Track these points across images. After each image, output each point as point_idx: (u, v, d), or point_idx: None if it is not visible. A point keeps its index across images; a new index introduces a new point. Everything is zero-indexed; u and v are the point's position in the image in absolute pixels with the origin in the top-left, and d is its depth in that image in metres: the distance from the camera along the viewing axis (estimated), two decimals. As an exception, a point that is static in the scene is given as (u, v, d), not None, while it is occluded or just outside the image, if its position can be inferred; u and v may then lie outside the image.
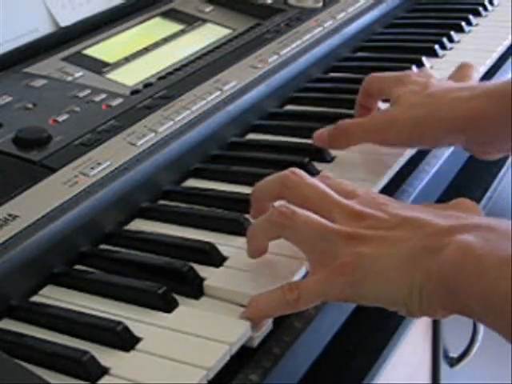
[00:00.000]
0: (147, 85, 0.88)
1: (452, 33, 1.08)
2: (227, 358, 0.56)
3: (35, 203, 0.66)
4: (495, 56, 1.02)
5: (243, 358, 0.58)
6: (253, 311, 0.59)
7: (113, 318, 0.59)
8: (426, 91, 0.77)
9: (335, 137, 0.78)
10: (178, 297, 0.62)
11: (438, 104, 0.75)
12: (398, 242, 0.58)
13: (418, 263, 0.56)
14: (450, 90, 0.77)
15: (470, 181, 1.01)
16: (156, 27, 1.02)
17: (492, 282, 0.52)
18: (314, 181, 0.64)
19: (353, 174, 0.77)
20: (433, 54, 1.03)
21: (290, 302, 0.58)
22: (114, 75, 0.90)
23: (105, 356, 0.56)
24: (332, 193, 0.63)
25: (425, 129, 0.75)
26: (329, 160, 0.80)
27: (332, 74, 1.00)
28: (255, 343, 0.59)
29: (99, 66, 0.91)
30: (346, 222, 0.60)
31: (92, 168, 0.71)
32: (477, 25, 1.13)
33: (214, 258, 0.65)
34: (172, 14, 1.05)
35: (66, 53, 0.93)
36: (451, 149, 0.86)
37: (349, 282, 0.57)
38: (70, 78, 0.88)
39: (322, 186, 0.63)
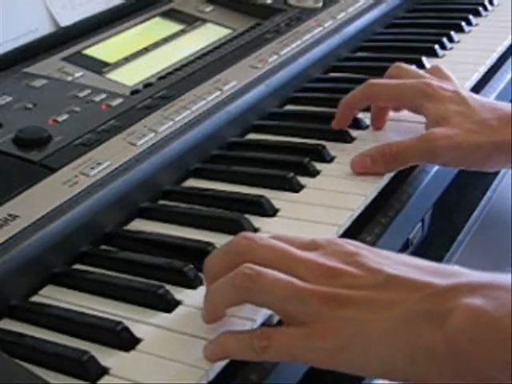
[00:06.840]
0: (147, 85, 0.88)
1: (452, 33, 1.08)
2: (227, 358, 0.56)
3: (35, 203, 0.66)
4: (495, 56, 1.02)
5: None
6: (216, 349, 0.55)
7: (113, 318, 0.59)
8: (474, 117, 0.76)
9: (384, 162, 0.75)
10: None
11: (494, 130, 0.75)
12: (389, 306, 0.51)
13: (419, 330, 0.50)
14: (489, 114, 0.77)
15: (470, 181, 1.01)
16: (156, 27, 1.02)
17: None
18: (270, 240, 0.57)
19: (353, 173, 0.77)
20: (433, 53, 1.02)
21: (256, 349, 0.54)
22: (114, 75, 0.90)
23: (105, 356, 0.56)
24: (292, 249, 0.56)
25: (488, 154, 0.74)
26: (328, 160, 0.80)
27: (332, 74, 1.00)
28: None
29: (99, 66, 0.91)
30: (318, 280, 0.54)
31: (92, 168, 0.71)
32: (477, 25, 1.13)
33: (214, 258, 0.65)
34: (172, 14, 1.05)
35: (66, 53, 0.93)
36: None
37: (328, 347, 0.52)
38: (70, 78, 0.87)
39: (279, 243, 0.57)
